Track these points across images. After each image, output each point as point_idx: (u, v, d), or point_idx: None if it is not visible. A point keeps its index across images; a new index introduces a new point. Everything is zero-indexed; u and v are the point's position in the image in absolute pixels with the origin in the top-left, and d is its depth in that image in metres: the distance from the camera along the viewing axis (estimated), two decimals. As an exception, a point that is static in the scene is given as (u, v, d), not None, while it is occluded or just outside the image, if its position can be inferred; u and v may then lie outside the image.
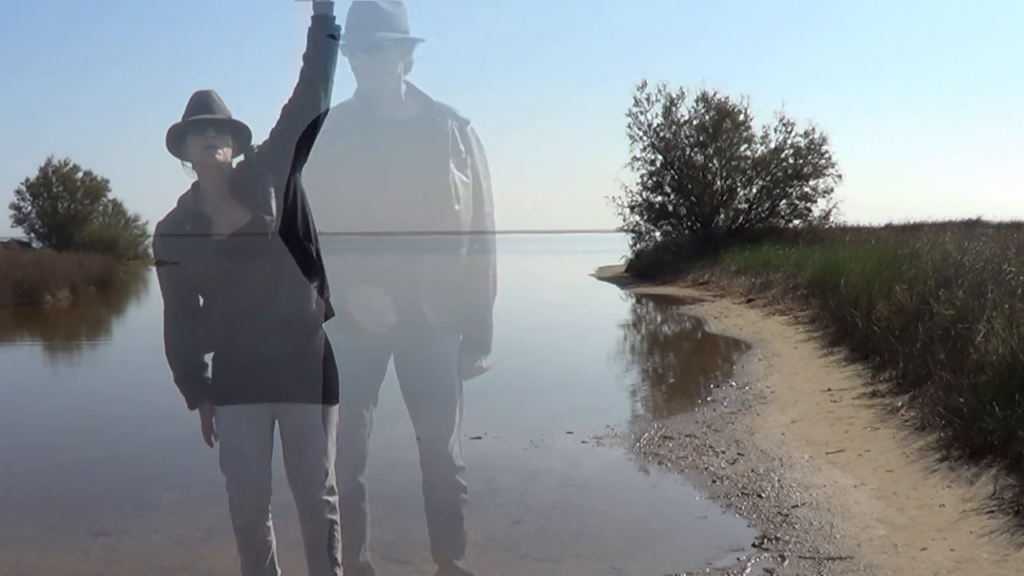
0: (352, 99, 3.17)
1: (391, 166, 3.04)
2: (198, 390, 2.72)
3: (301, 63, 2.63)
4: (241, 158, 2.71)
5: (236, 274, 2.61)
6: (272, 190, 2.61)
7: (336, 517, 2.74)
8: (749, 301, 15.00)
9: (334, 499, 2.73)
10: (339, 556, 2.75)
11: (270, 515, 2.76)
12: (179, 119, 2.64)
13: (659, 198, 26.87)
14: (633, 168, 26.58)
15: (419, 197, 3.04)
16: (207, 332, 2.69)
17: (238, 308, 2.61)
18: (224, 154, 2.63)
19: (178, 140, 2.67)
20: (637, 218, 27.12)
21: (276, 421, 2.75)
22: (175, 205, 2.71)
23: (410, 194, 3.03)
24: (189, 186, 2.70)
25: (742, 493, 4.61)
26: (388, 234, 3.04)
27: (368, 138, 3.06)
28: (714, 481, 4.86)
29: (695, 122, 25.74)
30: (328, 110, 2.69)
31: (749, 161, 25.72)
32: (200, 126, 2.61)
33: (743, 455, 5.34)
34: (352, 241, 3.02)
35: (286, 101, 2.63)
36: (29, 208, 36.22)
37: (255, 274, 2.61)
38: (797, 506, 4.35)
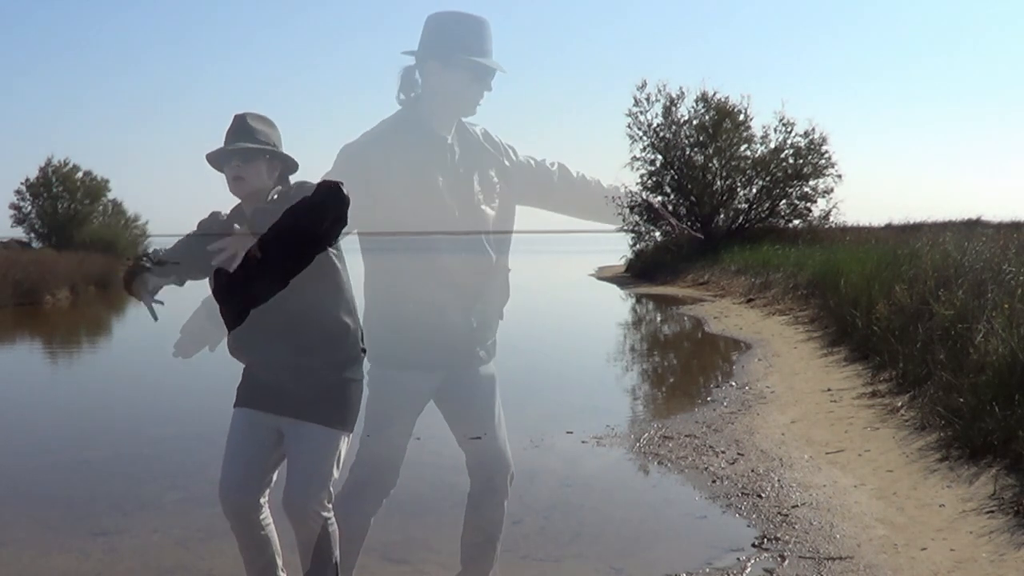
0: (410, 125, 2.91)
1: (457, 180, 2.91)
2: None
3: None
4: (283, 187, 2.64)
5: None
6: None
7: (328, 532, 2.64)
8: (749, 301, 14.99)
9: (329, 515, 2.64)
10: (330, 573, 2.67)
11: (266, 515, 2.73)
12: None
13: (659, 198, 26.84)
14: (633, 168, 26.58)
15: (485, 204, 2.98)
16: (233, 340, 2.67)
17: (259, 322, 2.53)
18: (253, 184, 2.59)
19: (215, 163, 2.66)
20: (637, 218, 27.11)
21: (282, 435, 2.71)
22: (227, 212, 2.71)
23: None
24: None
25: (742, 493, 4.61)
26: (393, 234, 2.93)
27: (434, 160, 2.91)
28: (714, 481, 4.86)
29: (695, 122, 25.73)
30: None
31: (749, 161, 25.70)
32: (227, 156, 2.58)
33: (743, 455, 5.34)
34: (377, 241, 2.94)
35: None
36: (29, 208, 36.12)
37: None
38: (797, 506, 4.35)
